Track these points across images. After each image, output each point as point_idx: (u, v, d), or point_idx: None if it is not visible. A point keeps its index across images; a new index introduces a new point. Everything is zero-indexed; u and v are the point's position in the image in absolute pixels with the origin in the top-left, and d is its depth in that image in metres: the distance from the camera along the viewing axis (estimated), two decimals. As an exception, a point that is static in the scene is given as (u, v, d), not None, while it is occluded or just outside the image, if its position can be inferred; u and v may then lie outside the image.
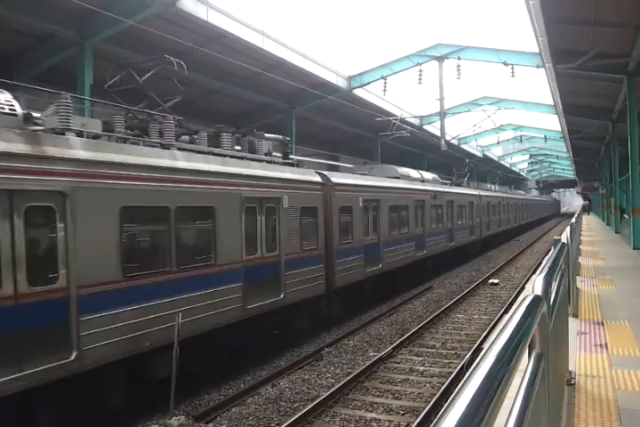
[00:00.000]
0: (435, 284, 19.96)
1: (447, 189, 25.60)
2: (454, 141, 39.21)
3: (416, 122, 35.86)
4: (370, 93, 29.45)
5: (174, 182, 8.40)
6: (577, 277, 10.82)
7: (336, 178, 14.25)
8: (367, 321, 13.92)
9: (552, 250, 5.96)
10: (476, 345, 11.12)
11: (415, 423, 7.32)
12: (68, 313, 6.57)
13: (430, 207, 21.65)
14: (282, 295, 11.14)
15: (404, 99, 64.19)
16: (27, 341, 6.04)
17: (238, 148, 11.19)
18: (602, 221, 43.83)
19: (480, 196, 31.33)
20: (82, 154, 6.96)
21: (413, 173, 22.36)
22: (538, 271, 3.56)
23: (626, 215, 29.93)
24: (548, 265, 3.77)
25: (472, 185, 34.80)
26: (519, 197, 50.35)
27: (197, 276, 8.79)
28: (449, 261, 24.15)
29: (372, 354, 10.96)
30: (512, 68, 25.16)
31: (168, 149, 8.89)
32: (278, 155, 12.79)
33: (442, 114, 30.32)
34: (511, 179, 65.49)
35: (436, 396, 8.33)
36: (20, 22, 14.75)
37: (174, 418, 7.67)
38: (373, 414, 7.92)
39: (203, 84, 21.75)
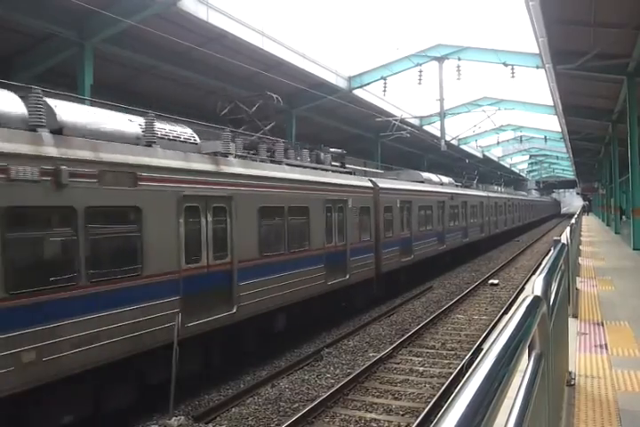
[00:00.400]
0: (434, 284, 19.95)
1: (461, 191, 28.37)
2: (454, 142, 39.22)
3: (416, 122, 35.88)
4: (370, 94, 29.45)
5: (287, 189, 11.74)
6: (577, 277, 10.82)
7: (381, 183, 17.31)
8: (367, 321, 13.92)
9: (552, 251, 5.95)
10: (475, 346, 11.11)
11: (415, 424, 7.31)
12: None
13: (449, 207, 24.65)
14: (347, 276, 14.19)
15: (403, 99, 64.24)
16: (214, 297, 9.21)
17: (308, 159, 14.04)
18: (602, 221, 43.84)
19: (488, 197, 34.24)
20: (240, 170, 10.26)
21: (434, 177, 25.36)
22: (538, 272, 3.56)
23: (625, 217, 29.97)
24: (548, 266, 3.76)
25: (480, 187, 38.27)
26: (522, 198, 53.74)
27: (301, 257, 12.14)
28: (463, 255, 27.18)
29: (371, 354, 10.95)
30: (512, 69, 25.17)
31: (280, 164, 12.16)
32: (337, 164, 15.87)
33: (442, 114, 30.32)
34: (511, 179, 65.48)
35: (436, 396, 8.32)
36: (20, 22, 14.75)
37: (174, 418, 7.67)
38: (373, 415, 7.92)
39: (202, 84, 21.76)
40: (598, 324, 7.37)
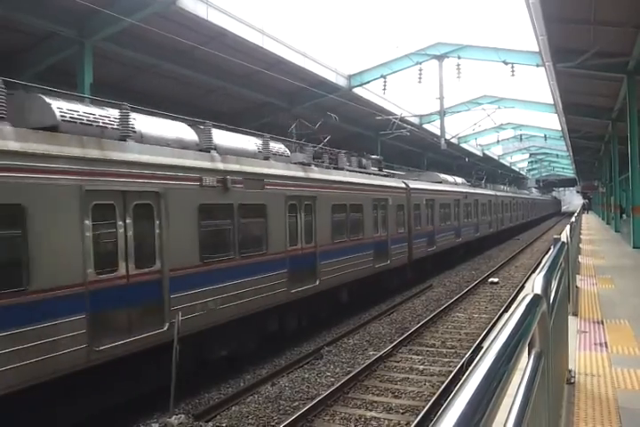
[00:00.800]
0: (434, 283, 19.97)
1: (473, 190, 31.21)
2: (454, 140, 39.20)
3: (416, 121, 35.84)
4: (370, 92, 29.42)
5: (349, 190, 14.57)
6: (577, 275, 10.83)
7: (412, 184, 20.38)
8: (367, 320, 13.93)
9: (552, 249, 5.96)
10: (475, 344, 11.12)
11: (415, 422, 7.32)
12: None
13: (463, 205, 27.63)
14: (389, 262, 17.16)
15: (403, 98, 64.24)
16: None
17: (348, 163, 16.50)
18: (601, 219, 43.84)
19: (496, 196, 37.17)
20: (320, 176, 13.24)
21: (450, 178, 28.34)
22: (538, 270, 3.56)
23: (625, 215, 29.96)
24: (548, 264, 3.77)
25: (488, 186, 40.44)
26: (526, 196, 57.55)
27: (357, 244, 15.00)
28: (474, 249, 30.08)
29: (371, 353, 10.96)
30: (512, 67, 25.14)
31: (342, 169, 15.31)
32: (375, 168, 19.07)
33: (442, 113, 30.30)
34: (511, 178, 65.53)
35: (436, 395, 8.33)
36: (21, 21, 14.73)
37: (174, 417, 7.68)
38: (373, 413, 7.93)
39: (202, 82, 21.75)
40: (598, 322, 7.38)
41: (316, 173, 13.20)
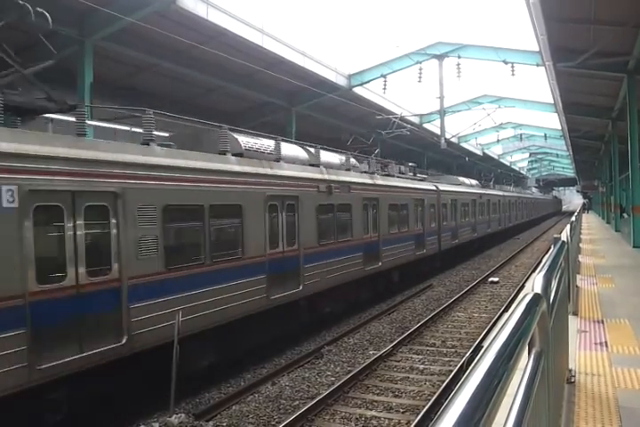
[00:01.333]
0: (435, 282, 19.97)
1: (485, 191, 34.64)
2: (454, 140, 39.20)
3: (416, 120, 35.83)
4: (370, 92, 29.42)
5: (399, 192, 18.53)
6: (577, 275, 10.83)
7: (440, 187, 23.78)
8: (367, 319, 13.93)
9: (552, 248, 5.96)
10: (475, 343, 11.13)
11: (415, 422, 7.33)
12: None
13: (478, 204, 30.95)
14: (424, 251, 20.60)
15: (404, 97, 64.08)
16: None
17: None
18: (602, 219, 43.84)
19: (504, 196, 40.28)
20: (381, 182, 17.23)
21: (466, 180, 32.38)
22: (538, 270, 3.56)
23: (625, 214, 29.95)
24: (548, 263, 3.77)
25: (495, 187, 43.46)
26: (530, 196, 61.86)
27: (404, 235, 18.50)
28: (486, 243, 33.38)
29: (372, 352, 10.97)
30: (512, 67, 25.14)
31: (392, 176, 19.24)
32: (411, 173, 23.07)
33: (442, 112, 30.32)
34: (512, 178, 65.64)
35: (436, 394, 8.33)
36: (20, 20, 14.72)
37: (175, 416, 7.68)
38: (373, 413, 7.93)
39: (202, 81, 21.75)
40: (598, 321, 7.38)
41: (379, 180, 17.26)
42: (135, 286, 7.60)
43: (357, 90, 27.93)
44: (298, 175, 12.00)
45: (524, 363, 2.02)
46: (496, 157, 64.14)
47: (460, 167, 51.82)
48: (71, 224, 6.79)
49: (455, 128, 39.95)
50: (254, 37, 19.41)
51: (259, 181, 10.66)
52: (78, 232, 6.86)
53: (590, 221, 39.90)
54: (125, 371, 7.50)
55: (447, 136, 31.33)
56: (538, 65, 22.84)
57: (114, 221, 7.36)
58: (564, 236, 8.95)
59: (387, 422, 7.60)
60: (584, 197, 76.68)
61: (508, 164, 73.10)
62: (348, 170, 15.36)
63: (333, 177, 13.77)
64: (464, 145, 47.98)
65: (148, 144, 8.54)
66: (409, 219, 19.25)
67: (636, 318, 7.50)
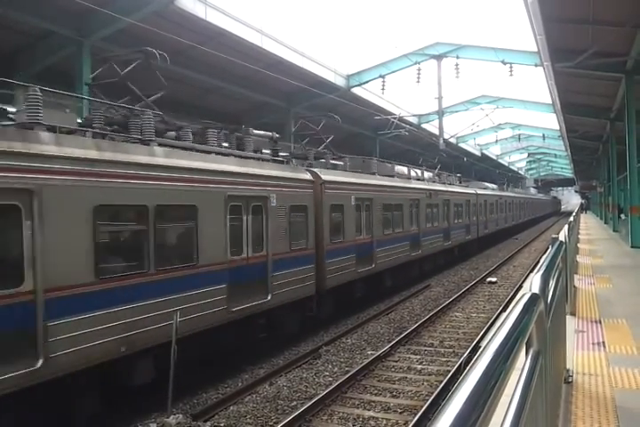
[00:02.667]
0: (432, 282, 19.98)
1: (504, 193, 41.23)
2: (453, 140, 39.24)
3: (414, 120, 35.87)
4: (368, 92, 29.46)
5: (451, 195, 25.19)
6: (575, 275, 10.84)
7: (478, 191, 31.19)
8: (365, 319, 13.93)
9: (550, 248, 5.97)
10: (473, 343, 11.13)
11: (413, 422, 7.33)
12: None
13: (497, 204, 36.82)
14: (450, 242, 24.30)
15: (402, 97, 64.20)
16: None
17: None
18: (600, 219, 43.89)
19: (514, 197, 46.29)
20: (445, 188, 25.03)
21: (489, 184, 39.25)
22: (535, 270, 3.57)
23: (622, 215, 29.99)
24: (546, 263, 3.78)
25: (507, 189, 49.09)
26: (533, 197, 68.14)
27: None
28: (499, 237, 37.90)
29: (369, 352, 10.96)
30: (510, 67, 25.19)
31: (444, 184, 25.53)
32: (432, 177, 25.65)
33: (440, 113, 30.34)
34: (510, 177, 65.82)
35: (434, 394, 8.33)
36: (18, 21, 14.73)
37: (172, 417, 7.68)
38: (371, 413, 7.93)
39: (201, 82, 21.75)
40: (596, 321, 7.39)
41: (449, 187, 24.83)
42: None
43: (356, 90, 27.97)
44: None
45: (522, 363, 2.02)
46: (494, 158, 64.19)
47: (457, 167, 51.87)
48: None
49: (454, 128, 40.07)
50: (253, 38, 19.43)
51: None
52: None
53: (588, 222, 39.95)
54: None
55: (446, 136, 31.35)
56: (536, 65, 22.89)
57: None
58: (562, 236, 8.97)
59: (384, 422, 7.60)
60: (582, 198, 76.87)
61: (507, 164, 73.18)
62: (420, 180, 22.35)
63: (429, 189, 21.37)
64: (462, 145, 48.03)
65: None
66: (462, 214, 26.36)
67: (634, 318, 7.51)
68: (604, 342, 6.29)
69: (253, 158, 11.34)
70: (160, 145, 8.81)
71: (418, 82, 27.50)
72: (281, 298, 11.09)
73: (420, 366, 10.06)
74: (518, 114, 75.16)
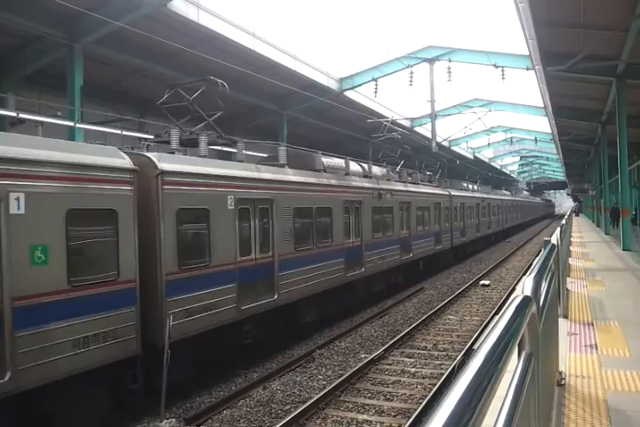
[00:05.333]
0: (426, 285, 19.99)
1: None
2: (445, 143, 39.35)
3: (407, 124, 35.96)
4: (361, 95, 29.50)
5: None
6: (567, 278, 10.88)
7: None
8: (358, 322, 13.92)
9: (542, 251, 5.98)
10: (467, 346, 11.14)
11: (407, 425, 7.32)
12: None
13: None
14: (466, 238, 28.43)
15: (395, 101, 64.45)
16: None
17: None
18: (592, 222, 44.09)
19: (513, 200, 49.56)
20: (414, 188, 22.44)
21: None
22: (528, 272, 3.57)
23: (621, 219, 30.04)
24: (538, 266, 3.78)
25: (494, 191, 49.70)
26: (530, 200, 71.39)
27: (428, 232, 22.70)
28: (502, 235, 41.87)
29: (363, 356, 10.95)
30: (502, 71, 25.32)
31: (418, 184, 23.88)
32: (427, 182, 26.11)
33: (433, 116, 30.42)
34: (502, 181, 66.14)
35: (428, 397, 8.33)
36: (9, 23, 14.67)
37: (165, 421, 7.64)
38: (365, 416, 7.91)
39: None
40: (588, 324, 7.41)
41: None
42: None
43: (349, 93, 28.01)
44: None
45: (515, 365, 2.02)
46: (487, 161, 64.42)
47: (450, 170, 51.98)
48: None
49: (446, 132, 40.22)
50: (245, 41, 19.43)
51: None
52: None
53: (581, 224, 40.12)
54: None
55: (438, 139, 31.44)
56: (528, 69, 22.99)
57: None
58: (555, 239, 8.99)
59: (378, 425, 7.59)
60: (574, 201, 77.21)
61: (499, 167, 73.45)
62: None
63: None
64: (455, 148, 48.17)
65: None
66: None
67: (626, 321, 7.54)
68: (596, 345, 6.31)
69: None
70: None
71: (410, 85, 27.60)
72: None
73: (413, 370, 10.06)
74: (510, 117, 75.56)
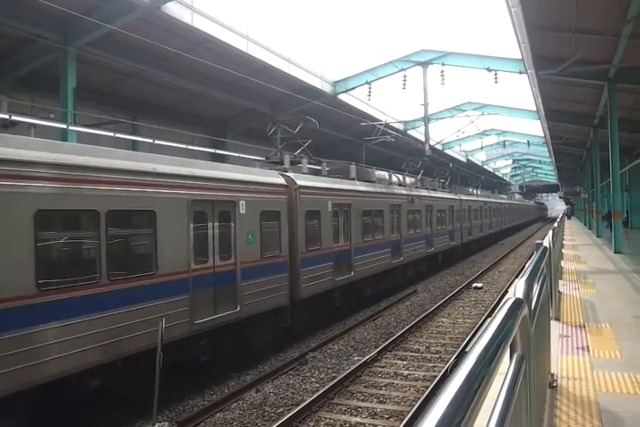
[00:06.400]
0: (419, 288, 20.03)
1: (488, 199, 43.06)
2: (438, 146, 39.45)
3: (400, 127, 36.04)
4: (355, 98, 29.55)
5: (440, 201, 26.77)
6: (559, 280, 10.93)
7: (462, 196, 32.71)
8: (352, 325, 13.93)
9: (534, 254, 6.02)
10: (460, 349, 11.18)
11: (400, 427, 7.33)
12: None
13: (483, 210, 38.67)
14: (454, 242, 28.45)
15: (388, 104, 64.62)
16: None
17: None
18: (584, 225, 44.30)
19: (499, 202, 49.69)
20: (434, 194, 26.38)
21: (500, 195, 48.88)
22: (520, 275, 3.60)
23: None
24: (530, 269, 3.81)
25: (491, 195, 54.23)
26: (524, 203, 76.32)
27: (445, 230, 27.01)
28: (484, 243, 39.27)
29: (356, 358, 10.96)
30: (495, 74, 25.40)
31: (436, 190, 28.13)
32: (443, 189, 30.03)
33: (426, 119, 30.50)
34: (495, 184, 66.34)
35: (421, 399, 8.35)
36: (2, 26, 14.61)
37: (157, 424, 7.61)
38: (358, 419, 7.92)
39: (187, 88, 21.71)
40: (580, 326, 7.45)
41: (432, 193, 25.27)
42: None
43: (342, 97, 28.05)
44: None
45: (507, 367, 2.04)
46: (480, 164, 64.62)
47: (443, 173, 52.14)
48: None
49: (439, 135, 40.33)
50: (239, 44, 19.43)
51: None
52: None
53: (573, 227, 40.30)
54: None
55: (431, 143, 31.53)
56: (520, 72, 23.11)
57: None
58: (547, 242, 9.04)
59: (371, 428, 7.59)
60: (566, 204, 77.55)
61: (492, 170, 73.70)
62: (403, 186, 22.07)
63: (400, 191, 20.84)
64: (448, 152, 48.31)
65: None
66: (447, 219, 27.17)
67: (617, 323, 7.59)
68: (588, 347, 6.35)
69: None
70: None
71: (404, 88, 27.66)
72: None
73: (406, 372, 10.07)
74: (503, 121, 75.75)
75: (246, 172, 11.29)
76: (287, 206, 12.23)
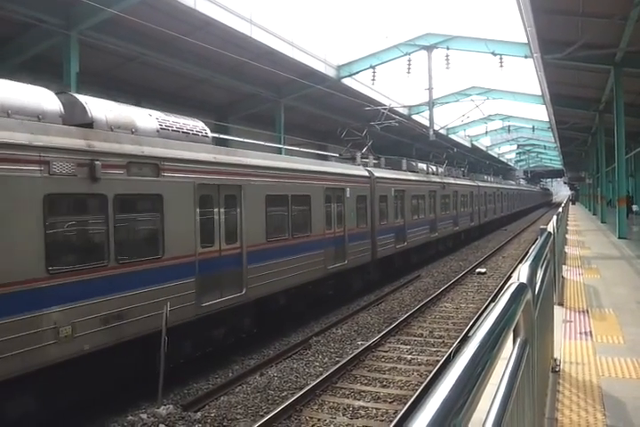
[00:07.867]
0: (422, 273, 20.08)
1: (500, 185, 46.59)
2: (443, 131, 39.25)
3: (405, 112, 35.84)
4: (359, 83, 29.34)
5: (463, 187, 31.50)
6: (563, 265, 10.92)
7: (480, 183, 36.65)
8: (355, 310, 13.99)
9: (538, 239, 6.01)
10: (463, 334, 11.22)
11: (402, 411, 7.39)
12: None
13: (496, 195, 42.55)
14: (474, 222, 32.89)
15: (392, 88, 64.21)
16: None
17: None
18: (588, 210, 44.20)
19: (509, 188, 53.28)
20: (457, 181, 30.84)
21: (508, 182, 53.53)
22: (524, 260, 3.60)
23: (635, 206, 30.05)
24: (534, 254, 3.80)
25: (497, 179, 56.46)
26: (530, 188, 79.91)
27: (467, 212, 32.17)
28: (496, 225, 42.93)
29: (359, 343, 11.03)
30: (500, 59, 25.18)
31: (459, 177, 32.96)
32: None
33: (430, 104, 30.30)
34: (499, 169, 66.12)
35: (424, 384, 8.41)
36: (5, 9, 14.51)
37: (163, 407, 7.70)
38: (361, 402, 7.99)
39: (190, 73, 21.59)
40: (583, 311, 7.46)
41: (457, 180, 29.89)
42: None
43: (346, 81, 27.84)
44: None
45: (510, 352, 2.04)
46: (484, 149, 64.34)
47: (448, 158, 51.99)
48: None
49: (444, 120, 40.16)
50: (242, 28, 19.25)
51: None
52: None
53: (577, 213, 40.22)
54: None
55: (436, 128, 31.37)
56: (526, 57, 22.88)
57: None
58: (551, 227, 9.03)
59: (374, 411, 7.66)
60: (571, 189, 77.33)
61: (497, 155, 73.41)
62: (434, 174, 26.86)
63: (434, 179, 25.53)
64: (453, 137, 48.07)
65: None
66: (468, 203, 31.32)
67: (621, 308, 7.60)
68: (590, 332, 6.36)
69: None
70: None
71: (408, 73, 27.43)
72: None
73: (409, 357, 10.13)
74: (508, 105, 75.36)
75: (347, 168, 16.14)
76: (370, 192, 16.79)
